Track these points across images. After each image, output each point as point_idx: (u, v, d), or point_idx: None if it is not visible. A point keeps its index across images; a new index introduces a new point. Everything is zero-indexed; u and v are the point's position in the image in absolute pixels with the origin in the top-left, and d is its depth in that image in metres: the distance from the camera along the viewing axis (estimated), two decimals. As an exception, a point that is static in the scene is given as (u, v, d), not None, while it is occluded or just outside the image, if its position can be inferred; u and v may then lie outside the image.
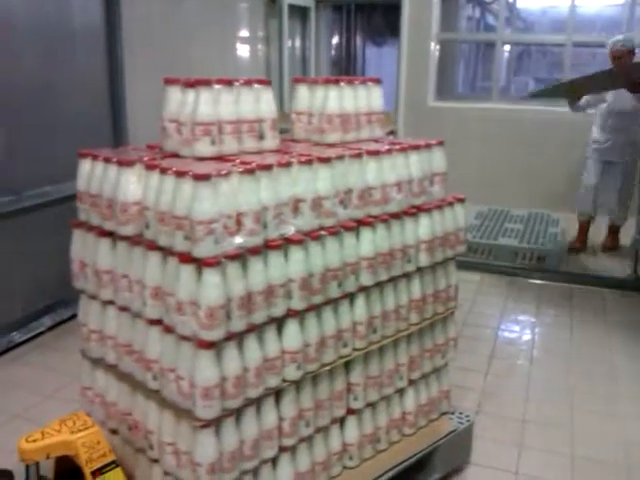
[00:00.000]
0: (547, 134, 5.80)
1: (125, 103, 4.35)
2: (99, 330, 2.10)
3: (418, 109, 6.94)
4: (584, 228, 5.51)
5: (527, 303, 4.51)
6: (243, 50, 6.27)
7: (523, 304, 4.50)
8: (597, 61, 8.99)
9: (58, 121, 3.85)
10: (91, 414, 2.14)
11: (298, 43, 7.40)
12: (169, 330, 1.82)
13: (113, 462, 1.87)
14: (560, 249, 5.24)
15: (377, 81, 2.32)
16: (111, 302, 2.04)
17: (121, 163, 1.91)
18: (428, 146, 2.30)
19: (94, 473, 1.83)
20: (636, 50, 4.93)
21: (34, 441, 1.81)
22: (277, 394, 1.96)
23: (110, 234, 1.99)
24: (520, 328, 4.13)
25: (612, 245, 5.54)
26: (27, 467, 1.82)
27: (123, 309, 2.00)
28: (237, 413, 1.85)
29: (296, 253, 1.88)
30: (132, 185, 1.88)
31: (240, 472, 1.88)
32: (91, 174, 2.03)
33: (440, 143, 2.35)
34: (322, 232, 1.95)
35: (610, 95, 5.11)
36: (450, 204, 2.38)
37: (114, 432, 2.12)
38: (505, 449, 2.79)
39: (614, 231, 5.57)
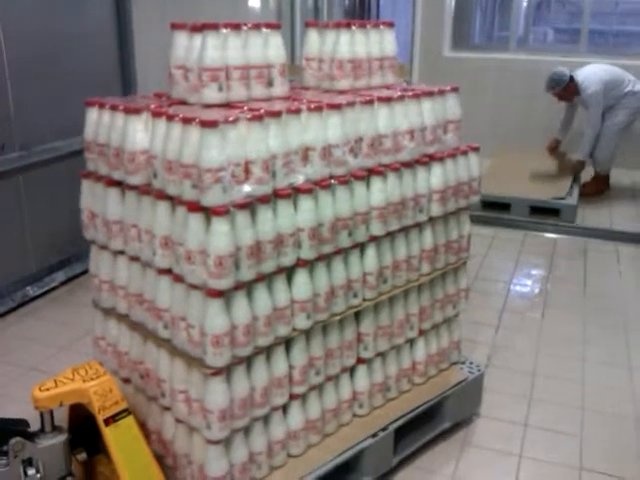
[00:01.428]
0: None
1: (133, 53, 4.29)
2: (110, 280, 2.10)
3: (433, 60, 6.79)
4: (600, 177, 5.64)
5: (540, 257, 4.48)
6: (254, 0, 6.13)
7: (536, 258, 4.47)
8: (619, 10, 8.72)
9: (66, 74, 3.80)
10: (104, 363, 2.16)
11: (310, -7, 7.22)
12: (179, 279, 1.82)
13: (125, 410, 1.88)
14: (575, 202, 5.17)
15: (390, 25, 2.26)
16: (121, 252, 2.04)
17: (128, 111, 1.88)
18: (442, 92, 2.25)
19: (107, 420, 1.85)
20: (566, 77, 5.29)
21: (47, 389, 1.82)
22: (287, 343, 1.97)
23: (118, 184, 1.97)
24: (532, 282, 4.11)
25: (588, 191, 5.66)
26: (41, 414, 1.85)
27: (133, 259, 2.00)
28: (247, 361, 1.86)
29: (305, 202, 1.86)
30: (139, 133, 1.85)
31: (251, 419, 1.91)
32: (98, 123, 2.00)
33: (454, 89, 2.29)
34: (332, 181, 1.93)
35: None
36: (464, 153, 2.33)
37: (126, 381, 2.15)
38: (515, 402, 2.80)
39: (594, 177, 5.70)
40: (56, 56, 3.75)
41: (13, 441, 1.79)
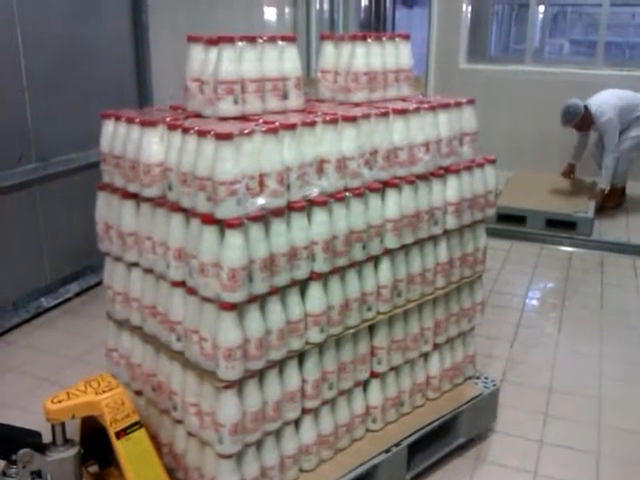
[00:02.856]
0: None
1: (150, 66, 4.32)
2: (124, 292, 2.10)
3: (449, 72, 6.78)
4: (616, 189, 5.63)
5: (556, 271, 4.43)
6: (270, 12, 6.16)
7: (552, 272, 4.43)
8: (636, 21, 8.68)
9: (83, 86, 3.84)
10: (116, 375, 2.16)
11: (326, 5, 7.24)
12: (192, 292, 1.81)
13: (137, 423, 1.87)
14: (592, 215, 5.12)
15: (406, 37, 2.25)
16: (135, 264, 2.04)
17: (144, 123, 1.88)
18: (458, 105, 2.24)
19: (118, 433, 1.84)
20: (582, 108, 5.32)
21: (59, 402, 1.82)
22: (300, 356, 1.95)
23: (134, 196, 1.98)
24: (548, 296, 4.07)
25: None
26: (53, 427, 1.84)
27: (147, 271, 1.99)
28: (260, 374, 1.85)
29: (320, 215, 1.85)
30: (155, 146, 1.86)
31: (263, 433, 1.89)
32: (114, 135, 2.00)
33: (471, 101, 2.28)
34: (347, 193, 1.92)
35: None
36: (480, 165, 2.32)
37: (139, 393, 2.15)
38: (530, 418, 2.76)
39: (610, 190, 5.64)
40: (73, 68, 3.78)
41: (22, 452, 1.78)
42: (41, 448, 1.83)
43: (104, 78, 3.98)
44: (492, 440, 2.60)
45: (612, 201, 5.62)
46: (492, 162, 2.36)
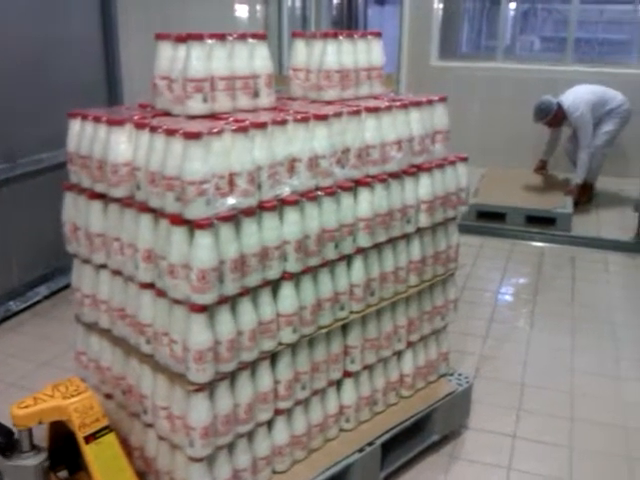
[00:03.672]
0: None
1: (120, 64, 4.26)
2: (92, 294, 2.06)
3: (421, 69, 6.79)
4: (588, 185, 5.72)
5: (528, 266, 4.48)
6: (241, 10, 6.11)
7: (524, 267, 4.47)
8: (604, 18, 8.80)
9: (52, 84, 3.76)
10: (85, 379, 2.12)
11: (298, 3, 7.21)
12: (161, 294, 1.78)
13: (107, 427, 1.84)
14: (571, 211, 5.18)
15: (378, 35, 2.24)
16: (104, 266, 2.00)
17: (111, 123, 1.84)
18: (430, 102, 2.23)
19: (87, 438, 1.80)
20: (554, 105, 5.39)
21: (26, 407, 1.78)
22: (273, 357, 1.93)
23: (101, 196, 1.94)
24: (521, 292, 4.11)
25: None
26: (19, 433, 1.80)
27: (116, 273, 1.96)
28: (231, 376, 1.82)
29: (291, 214, 1.83)
30: (122, 145, 1.82)
31: (235, 435, 1.87)
32: (81, 135, 1.96)
33: (442, 99, 2.28)
34: (318, 192, 1.90)
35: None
36: (452, 163, 2.32)
37: (109, 397, 2.11)
38: (504, 413, 2.78)
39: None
40: (41, 66, 3.71)
41: None
42: (6, 449, 1.78)
43: (73, 77, 3.91)
44: (466, 436, 2.61)
45: (584, 196, 5.70)
46: (464, 160, 2.36)
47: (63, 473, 2.06)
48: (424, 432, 2.46)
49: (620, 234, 4.91)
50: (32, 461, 1.79)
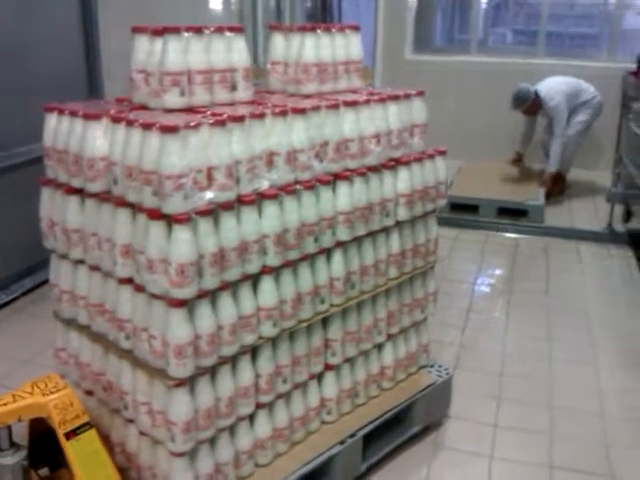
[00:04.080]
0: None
1: (100, 58, 4.22)
2: (70, 290, 2.04)
3: (395, 63, 6.80)
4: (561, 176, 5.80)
5: (503, 257, 4.53)
6: (215, 2, 6.06)
7: (499, 258, 4.53)
8: (575, 12, 8.88)
9: (31, 79, 3.71)
10: (65, 376, 2.10)
11: (272, -6, 7.17)
12: (140, 289, 1.77)
13: (87, 423, 1.83)
14: (543, 203, 5.24)
15: (356, 28, 2.24)
16: (81, 262, 1.98)
17: (87, 117, 1.82)
18: (407, 96, 2.24)
19: (68, 435, 1.79)
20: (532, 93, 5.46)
21: (4, 404, 1.76)
22: (253, 351, 1.93)
23: (78, 191, 1.91)
24: (496, 282, 4.16)
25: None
26: (-2, 430, 1.78)
27: (93, 268, 1.94)
28: (212, 371, 1.82)
29: (270, 208, 1.83)
30: (98, 139, 1.80)
31: (216, 430, 1.87)
32: (57, 129, 1.94)
33: (420, 93, 2.29)
34: (297, 186, 1.90)
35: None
36: (430, 157, 2.33)
37: (89, 393, 2.09)
38: (484, 402, 2.81)
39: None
40: (19, 60, 3.65)
41: None
42: None
43: (52, 71, 3.86)
44: (448, 426, 2.64)
45: (557, 187, 5.77)
46: (442, 153, 2.37)
47: (44, 470, 2.05)
48: (405, 423, 2.48)
49: (593, 225, 4.99)
50: (10, 459, 1.77)
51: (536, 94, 5.45)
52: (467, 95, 6.75)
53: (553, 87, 5.49)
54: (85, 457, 1.82)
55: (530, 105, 5.48)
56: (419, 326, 2.54)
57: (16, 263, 3.72)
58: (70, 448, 1.79)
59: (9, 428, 1.80)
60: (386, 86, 2.36)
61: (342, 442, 2.18)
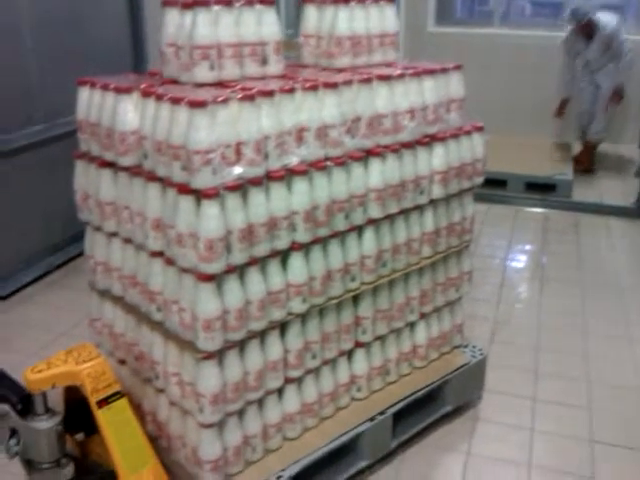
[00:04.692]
0: (551, 60, 5.58)
1: (145, 30, 4.30)
2: (105, 262, 2.08)
3: (418, 35, 6.62)
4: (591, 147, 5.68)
5: (533, 232, 4.47)
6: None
7: (529, 234, 4.46)
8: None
9: (83, 50, 3.84)
10: (99, 345, 2.16)
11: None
12: (170, 262, 1.79)
13: (119, 392, 1.86)
14: (571, 177, 5.12)
15: (390, 0, 2.17)
16: (115, 234, 2.01)
17: (118, 90, 1.83)
18: (444, 70, 2.18)
19: (100, 403, 1.83)
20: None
21: (39, 371, 1.81)
22: (283, 326, 1.94)
23: (111, 164, 1.94)
24: (528, 257, 4.12)
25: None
26: (34, 397, 1.83)
27: (126, 241, 1.97)
28: (241, 345, 1.84)
29: (300, 184, 1.82)
30: (129, 113, 1.81)
31: (245, 402, 1.89)
32: (90, 102, 1.96)
33: (458, 67, 2.22)
34: (328, 162, 1.87)
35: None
36: (467, 133, 2.26)
37: (122, 362, 2.14)
38: (521, 376, 2.80)
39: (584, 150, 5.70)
40: (74, 32, 3.81)
41: (4, 406, 1.79)
42: (19, 409, 1.82)
43: (102, 43, 4.00)
44: (486, 400, 2.63)
45: (586, 160, 5.61)
46: (480, 129, 2.30)
47: (79, 435, 2.12)
48: (437, 402, 2.46)
49: (621, 200, 4.89)
50: (45, 424, 1.82)
51: (591, 20, 5.32)
52: (491, 68, 6.52)
53: (607, 17, 5.38)
54: (116, 425, 1.86)
55: (585, 25, 5.33)
56: (453, 305, 2.50)
57: (52, 235, 3.81)
58: (102, 416, 1.84)
59: (44, 394, 1.85)
60: (407, 59, 2.29)
61: (372, 419, 2.18)
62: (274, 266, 1.85)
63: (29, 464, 1.85)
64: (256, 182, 1.72)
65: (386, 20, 2.16)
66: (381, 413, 2.21)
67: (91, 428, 2.06)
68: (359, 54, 2.12)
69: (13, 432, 1.81)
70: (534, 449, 2.37)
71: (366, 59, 2.14)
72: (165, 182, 1.75)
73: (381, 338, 2.26)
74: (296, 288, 1.89)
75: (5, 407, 1.80)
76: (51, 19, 3.64)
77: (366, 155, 1.98)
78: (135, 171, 1.85)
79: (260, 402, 1.96)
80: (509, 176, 5.08)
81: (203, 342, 1.73)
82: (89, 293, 2.22)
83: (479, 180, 2.36)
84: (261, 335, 1.88)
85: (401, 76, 2.03)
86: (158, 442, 2.04)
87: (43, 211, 3.70)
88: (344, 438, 2.11)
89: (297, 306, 1.91)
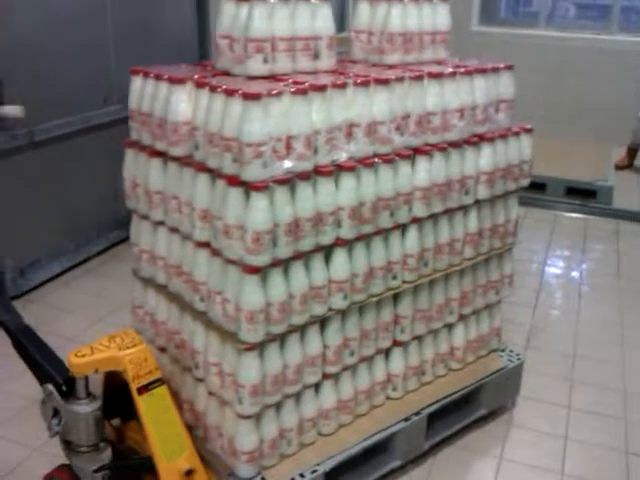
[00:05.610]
0: (598, 64, 5.46)
1: (208, 22, 4.44)
2: (150, 250, 2.10)
3: (461, 34, 6.55)
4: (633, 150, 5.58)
5: (572, 238, 4.41)
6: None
7: (568, 239, 4.40)
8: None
9: (155, 37, 4.00)
10: (141, 332, 2.18)
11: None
12: (216, 253, 1.80)
13: (159, 379, 1.88)
14: (613, 184, 5.02)
15: (444, -2, 2.17)
16: (161, 223, 2.03)
17: (172, 81, 1.85)
18: (495, 70, 2.16)
19: (140, 389, 1.84)
20: None
21: (83, 356, 1.83)
22: (322, 322, 1.94)
23: (161, 154, 1.95)
24: (567, 263, 4.07)
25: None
26: (76, 380, 1.86)
27: (173, 230, 1.99)
28: (281, 338, 1.84)
29: (347, 180, 1.81)
30: (182, 104, 1.82)
31: (283, 395, 1.90)
32: (142, 92, 1.98)
33: (509, 67, 2.20)
34: (376, 159, 1.87)
35: None
36: (516, 134, 2.24)
37: (163, 350, 2.16)
38: (556, 383, 2.77)
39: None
40: (147, 21, 4.00)
41: (46, 386, 1.83)
42: (62, 390, 1.85)
43: (171, 33, 4.19)
44: (521, 406, 2.60)
45: (627, 161, 5.53)
46: (529, 131, 2.28)
47: (116, 421, 2.15)
48: (472, 406, 2.44)
49: None
50: (86, 408, 1.85)
51: None
52: (535, 70, 6.43)
53: None
54: (155, 412, 1.87)
55: None
56: (492, 308, 2.48)
57: (92, 222, 3.85)
58: (141, 402, 1.85)
59: (86, 378, 1.87)
60: (462, 58, 2.27)
61: (406, 419, 2.17)
62: (318, 261, 1.85)
63: (68, 446, 1.88)
64: (305, 176, 1.73)
65: (438, 18, 2.15)
66: (416, 414, 2.20)
67: (128, 414, 2.09)
68: (410, 51, 2.11)
69: (56, 412, 1.84)
70: (567, 458, 2.34)
71: (417, 56, 2.14)
72: (215, 173, 1.76)
73: (419, 338, 2.25)
74: (338, 284, 1.89)
75: (50, 387, 1.83)
76: (130, 6, 3.82)
77: (414, 153, 1.97)
78: (185, 161, 1.86)
79: (297, 396, 1.97)
80: (549, 180, 5.01)
81: (245, 333, 1.74)
82: (132, 280, 2.24)
83: (525, 182, 2.34)
84: (301, 329, 1.89)
85: (452, 74, 2.01)
86: (195, 431, 2.05)
87: (94, 194, 3.76)
88: (378, 437, 2.11)
89: (338, 302, 1.91)
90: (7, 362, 1.90)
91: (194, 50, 4.45)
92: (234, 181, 1.68)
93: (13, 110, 2.97)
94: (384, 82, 1.85)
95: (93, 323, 3.13)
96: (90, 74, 3.61)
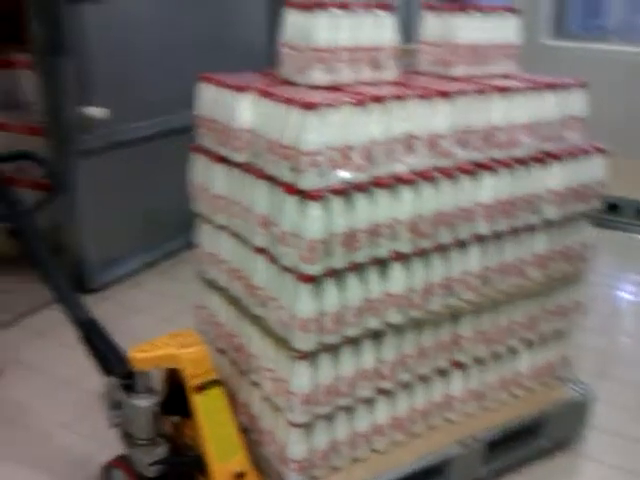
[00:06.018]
0: None
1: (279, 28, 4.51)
2: (213, 253, 2.15)
3: (530, 47, 6.30)
4: None
5: None
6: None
7: None
8: None
9: (231, 47, 4.13)
10: (202, 333, 2.22)
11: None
12: (273, 260, 1.83)
13: (216, 380, 1.91)
14: None
15: (512, 10, 2.12)
16: (224, 227, 2.07)
17: (235, 88, 1.90)
18: (566, 86, 2.08)
19: (197, 388, 1.88)
20: None
21: (144, 352, 1.89)
22: (378, 336, 1.92)
23: (225, 160, 2.00)
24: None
25: None
26: (136, 375, 1.92)
27: (235, 235, 2.03)
28: (335, 349, 1.84)
29: (405, 193, 1.80)
30: (245, 111, 1.87)
31: (334, 407, 1.89)
32: (208, 98, 2.03)
33: (582, 84, 2.12)
34: (436, 173, 1.85)
35: None
36: (587, 153, 2.15)
37: (222, 352, 2.20)
38: (629, 414, 2.62)
39: None
40: (223, 28, 4.16)
41: (109, 379, 1.91)
42: (124, 384, 1.91)
43: (246, 43, 4.31)
44: (591, 437, 2.47)
45: None
46: (601, 150, 2.18)
47: (174, 418, 2.20)
48: (535, 436, 2.32)
49: None
50: (145, 402, 1.90)
51: None
52: (607, 86, 6.06)
53: None
54: (210, 412, 1.90)
55: None
56: (561, 336, 2.37)
57: (167, 225, 3.93)
58: (197, 401, 1.89)
59: (146, 374, 1.93)
60: (530, 72, 2.21)
61: (464, 444, 2.10)
62: (373, 274, 1.84)
63: (127, 438, 1.95)
64: (361, 188, 1.73)
65: (507, 31, 2.11)
66: (474, 439, 2.13)
67: (187, 412, 2.14)
68: (477, 63, 2.08)
69: (116, 404, 1.92)
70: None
71: (484, 69, 2.10)
72: (274, 181, 1.79)
73: (480, 361, 2.18)
74: (394, 298, 1.87)
75: (112, 379, 1.91)
76: (207, 14, 3.97)
77: (477, 168, 1.93)
78: (247, 168, 1.90)
79: (350, 410, 1.95)
80: (621, 201, 4.75)
81: (298, 341, 1.75)
82: (196, 282, 2.30)
83: (597, 203, 2.23)
84: (355, 342, 1.88)
85: (520, 89, 1.97)
86: (249, 435, 2.07)
87: (169, 197, 3.84)
88: (433, 459, 2.05)
89: (394, 317, 1.89)
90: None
91: (265, 58, 4.48)
92: (291, 189, 1.70)
93: (97, 112, 3.13)
94: (446, 95, 1.83)
95: (159, 322, 3.23)
96: (171, 78, 3.72)
